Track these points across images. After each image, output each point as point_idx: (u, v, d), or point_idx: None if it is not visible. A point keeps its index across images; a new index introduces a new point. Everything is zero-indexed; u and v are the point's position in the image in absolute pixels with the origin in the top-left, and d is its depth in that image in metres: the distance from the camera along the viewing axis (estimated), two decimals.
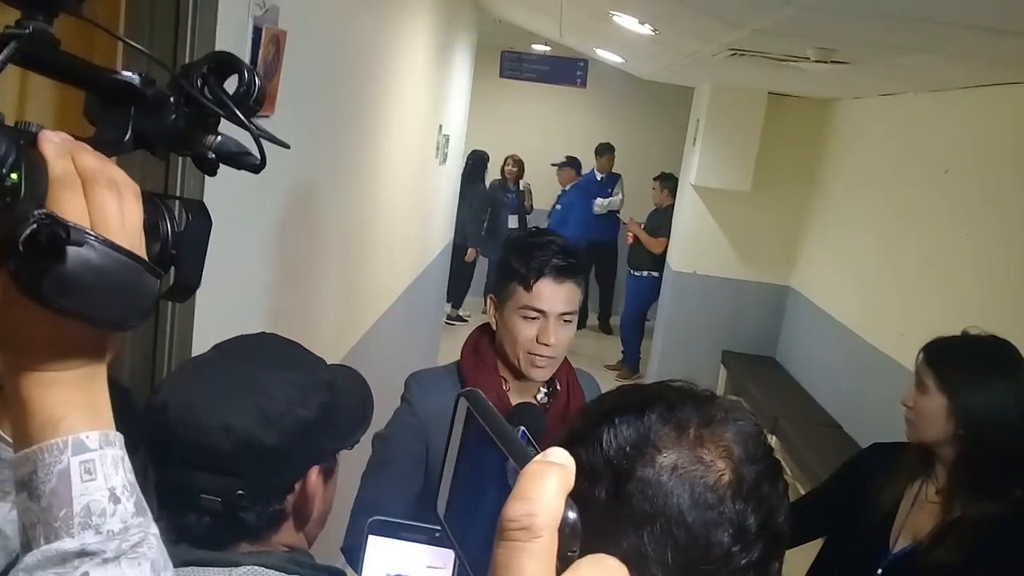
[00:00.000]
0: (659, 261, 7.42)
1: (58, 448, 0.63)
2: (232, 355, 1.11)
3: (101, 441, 0.65)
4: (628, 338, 7.78)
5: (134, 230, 0.64)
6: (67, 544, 0.62)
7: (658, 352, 7.12)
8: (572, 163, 8.56)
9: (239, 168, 0.74)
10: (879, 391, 4.48)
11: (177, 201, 0.73)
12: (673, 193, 7.43)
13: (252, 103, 0.72)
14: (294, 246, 2.35)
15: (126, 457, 0.67)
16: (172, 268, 0.71)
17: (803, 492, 3.51)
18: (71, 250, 0.58)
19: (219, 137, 0.73)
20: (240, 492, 1.00)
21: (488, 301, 1.82)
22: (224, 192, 1.65)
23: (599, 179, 8.64)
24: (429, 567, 0.70)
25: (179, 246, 0.70)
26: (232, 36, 1.68)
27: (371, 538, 0.69)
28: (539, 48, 7.92)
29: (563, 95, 9.22)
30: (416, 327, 5.33)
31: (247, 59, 1.70)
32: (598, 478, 0.70)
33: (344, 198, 2.88)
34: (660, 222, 7.47)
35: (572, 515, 0.38)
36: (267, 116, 1.88)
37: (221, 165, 0.74)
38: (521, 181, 8.74)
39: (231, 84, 0.72)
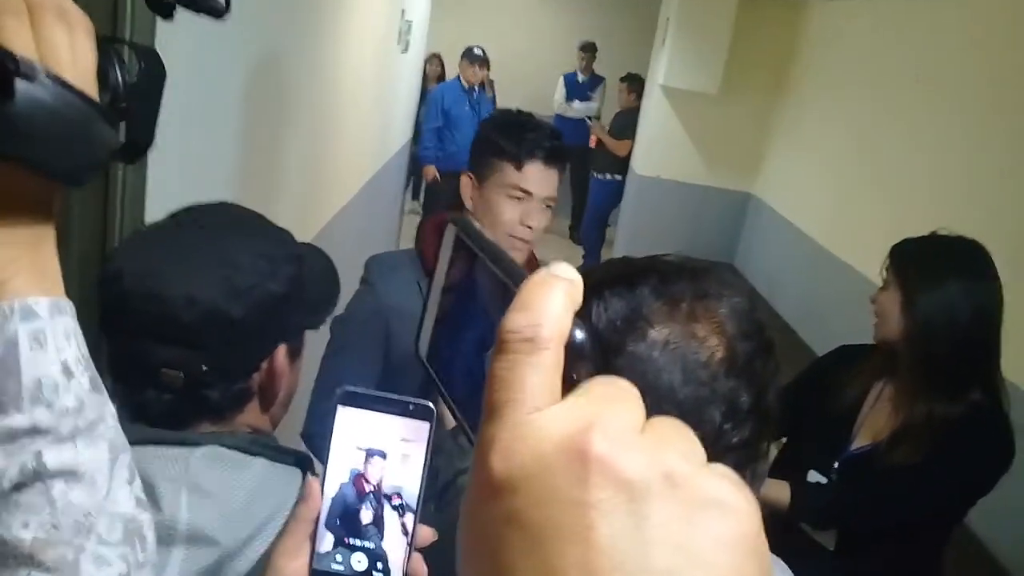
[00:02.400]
0: (623, 164, 7.34)
1: (3, 314, 0.56)
2: (192, 223, 1.02)
3: (52, 309, 0.58)
4: (589, 243, 7.70)
5: (86, 71, 0.56)
6: (16, 420, 0.56)
7: (619, 256, 7.10)
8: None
9: (199, 11, 0.64)
10: (835, 297, 4.54)
11: (127, 47, 0.63)
12: (639, 95, 7.30)
13: None
14: (257, 119, 2.22)
15: (79, 329, 0.61)
16: (122, 124, 0.62)
17: None
18: (20, 86, 0.50)
19: None
20: (204, 367, 0.94)
21: (464, 179, 1.73)
22: (179, 46, 1.50)
23: (580, 80, 8.25)
24: (403, 439, 0.65)
25: (130, 99, 0.61)
26: None
27: (341, 409, 0.64)
28: None
29: None
30: (377, 220, 5.23)
31: None
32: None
33: (309, 77, 2.75)
34: (625, 124, 7.35)
35: (580, 334, 0.32)
36: None
37: (177, 8, 0.64)
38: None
39: None
